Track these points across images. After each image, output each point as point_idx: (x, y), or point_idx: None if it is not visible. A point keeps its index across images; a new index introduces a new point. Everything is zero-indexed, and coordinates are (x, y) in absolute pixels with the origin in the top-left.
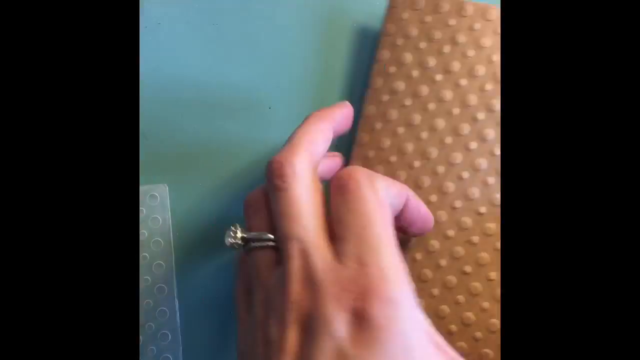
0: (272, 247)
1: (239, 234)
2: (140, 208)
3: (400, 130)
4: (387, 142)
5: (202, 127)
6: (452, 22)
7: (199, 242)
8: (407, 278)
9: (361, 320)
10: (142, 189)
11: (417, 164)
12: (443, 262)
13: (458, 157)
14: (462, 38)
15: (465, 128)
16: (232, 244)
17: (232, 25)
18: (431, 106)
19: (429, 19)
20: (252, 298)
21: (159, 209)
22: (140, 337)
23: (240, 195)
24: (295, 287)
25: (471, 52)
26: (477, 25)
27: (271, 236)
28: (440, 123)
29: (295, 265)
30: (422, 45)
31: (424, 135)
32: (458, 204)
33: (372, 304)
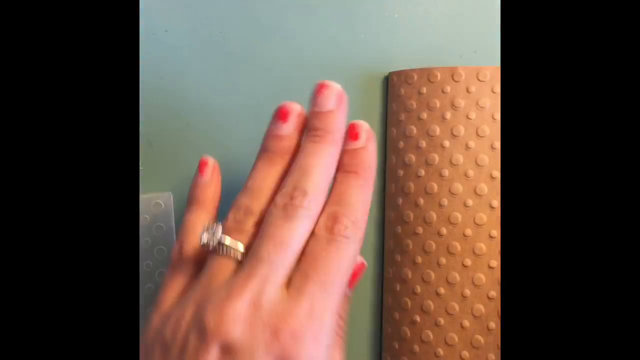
0: (239, 260)
1: (218, 235)
2: (144, 216)
3: (421, 201)
4: (410, 216)
5: (207, 136)
6: (447, 88)
7: None
8: None
9: None
10: (147, 196)
11: (444, 230)
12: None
13: (483, 217)
14: (460, 102)
15: (484, 188)
16: (206, 242)
17: (238, 33)
18: (445, 172)
19: (424, 90)
20: (189, 289)
21: (163, 217)
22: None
23: None
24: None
25: (473, 114)
26: (473, 88)
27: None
28: (458, 187)
29: (252, 287)
30: (424, 115)
31: (445, 201)
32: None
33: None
